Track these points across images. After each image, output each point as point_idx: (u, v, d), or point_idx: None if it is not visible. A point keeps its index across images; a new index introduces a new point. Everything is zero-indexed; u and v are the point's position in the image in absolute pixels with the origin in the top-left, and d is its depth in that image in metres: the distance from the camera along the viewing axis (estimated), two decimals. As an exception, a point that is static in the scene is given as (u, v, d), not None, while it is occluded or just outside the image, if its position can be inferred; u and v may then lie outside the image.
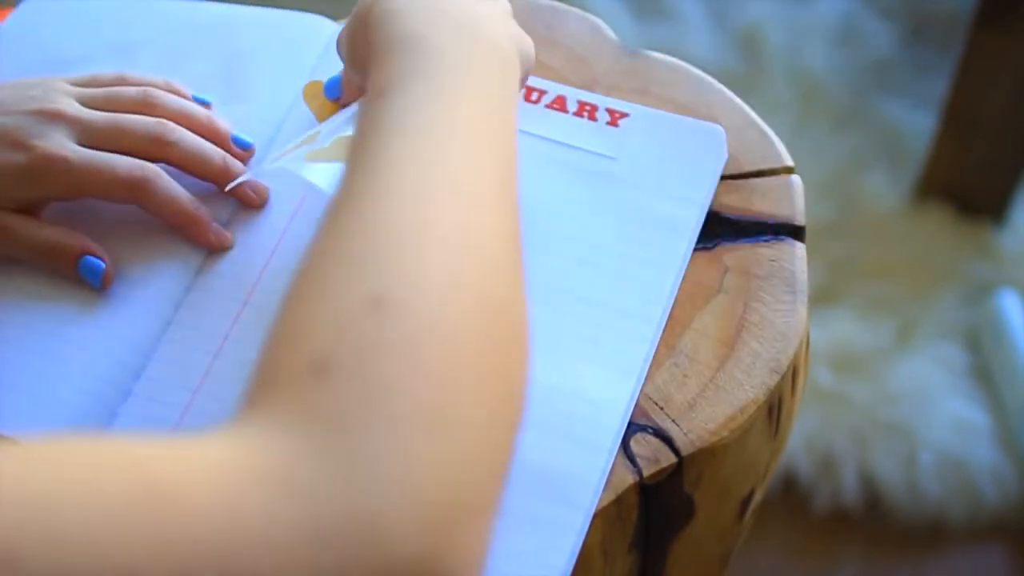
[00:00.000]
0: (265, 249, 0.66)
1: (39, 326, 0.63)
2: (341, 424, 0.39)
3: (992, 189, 1.52)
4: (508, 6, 0.62)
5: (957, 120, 1.46)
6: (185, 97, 0.70)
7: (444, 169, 0.47)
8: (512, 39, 0.57)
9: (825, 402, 1.40)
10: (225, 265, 0.66)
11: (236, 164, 0.68)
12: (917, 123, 1.61)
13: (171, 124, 0.66)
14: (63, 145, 0.64)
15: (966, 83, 1.43)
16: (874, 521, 1.37)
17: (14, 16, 0.76)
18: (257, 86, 0.72)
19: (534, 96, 0.71)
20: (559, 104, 0.71)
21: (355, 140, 0.50)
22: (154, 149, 0.66)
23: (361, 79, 0.57)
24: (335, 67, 0.73)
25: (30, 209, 0.65)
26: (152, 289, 0.64)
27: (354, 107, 0.62)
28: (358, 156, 0.48)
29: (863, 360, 1.43)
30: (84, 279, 0.64)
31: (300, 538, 0.37)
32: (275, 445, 0.39)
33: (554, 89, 0.71)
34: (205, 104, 0.70)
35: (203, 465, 0.38)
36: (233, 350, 0.63)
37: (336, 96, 0.69)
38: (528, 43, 0.61)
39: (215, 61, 0.73)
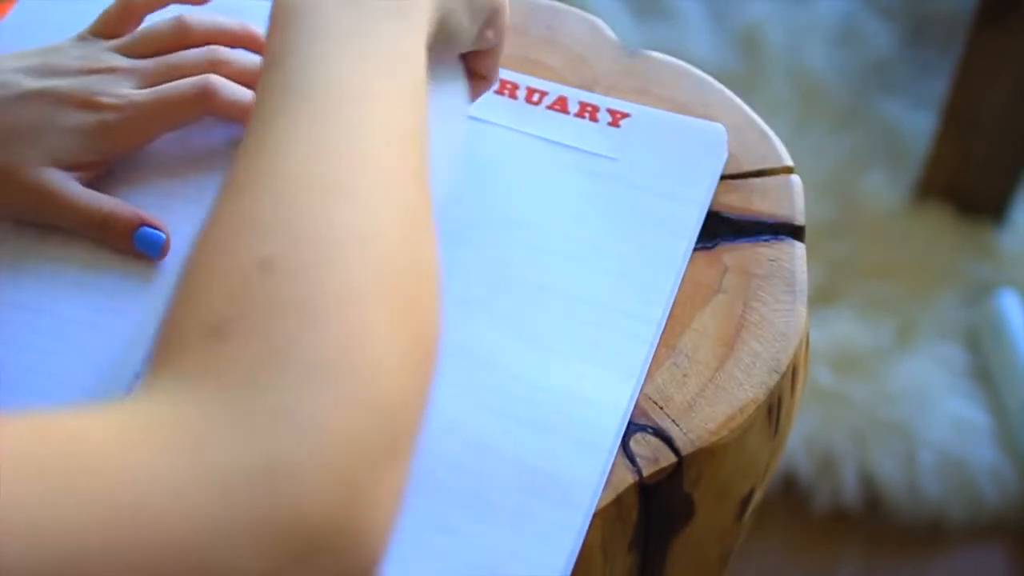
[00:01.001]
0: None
1: (39, 326, 0.63)
2: (243, 380, 0.39)
3: (992, 189, 1.52)
4: None
5: (957, 120, 1.46)
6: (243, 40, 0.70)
7: (337, 126, 0.47)
8: None
9: (825, 402, 1.40)
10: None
11: None
12: (917, 123, 1.61)
13: (219, 48, 0.67)
14: (127, 93, 0.65)
15: (966, 83, 1.43)
16: (874, 521, 1.37)
17: (16, 9, 0.76)
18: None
19: (535, 97, 0.71)
20: (560, 105, 0.71)
21: (252, 112, 0.49)
22: (210, 72, 0.66)
23: None
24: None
25: (94, 169, 0.65)
26: (153, 287, 0.64)
27: None
28: (251, 123, 0.48)
29: (863, 360, 1.43)
30: (141, 250, 0.64)
31: (205, 490, 0.37)
32: (177, 405, 0.39)
33: (555, 90, 0.71)
34: None
35: (106, 427, 0.38)
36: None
37: None
38: None
39: None
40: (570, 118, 0.70)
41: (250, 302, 0.41)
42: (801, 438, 1.38)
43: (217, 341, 0.40)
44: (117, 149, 0.66)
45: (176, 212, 0.66)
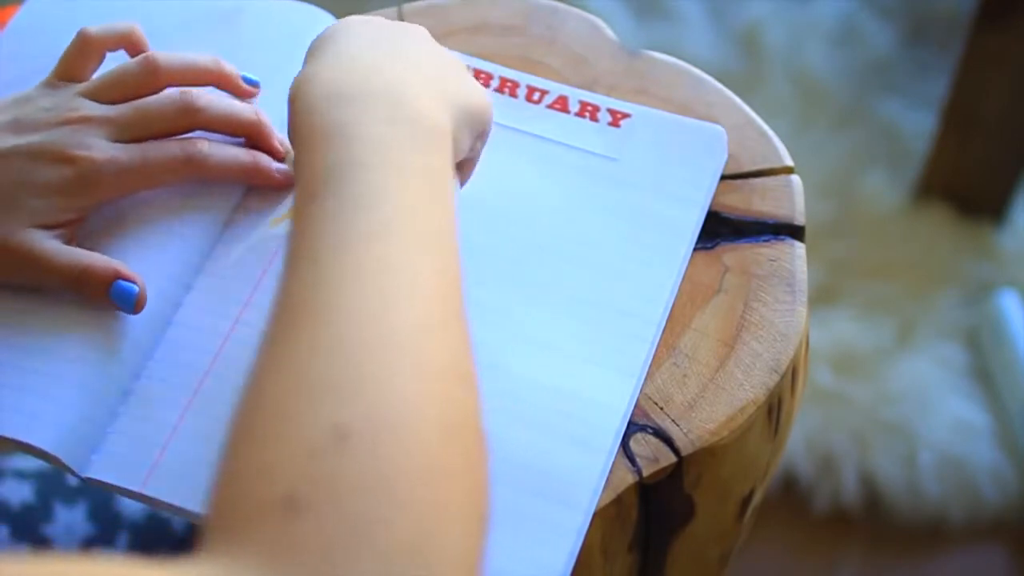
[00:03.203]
0: (267, 250, 0.66)
1: (37, 325, 0.63)
2: (319, 559, 0.38)
3: (992, 189, 1.52)
4: (456, 60, 0.61)
5: (957, 120, 1.46)
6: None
7: (391, 280, 0.46)
8: (447, 104, 0.56)
9: (825, 402, 1.40)
10: (226, 266, 0.66)
11: (266, 117, 0.68)
12: (917, 123, 1.61)
13: (194, 91, 0.66)
14: (106, 147, 0.63)
15: (966, 83, 1.43)
16: (874, 521, 1.37)
17: (22, 12, 0.76)
18: (260, 82, 0.72)
19: (536, 96, 0.71)
20: (561, 104, 0.70)
21: (292, 247, 0.48)
22: (185, 121, 0.66)
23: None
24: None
25: (73, 224, 0.64)
26: (153, 289, 0.64)
27: None
28: (299, 268, 0.47)
29: (863, 360, 1.43)
30: (116, 304, 0.62)
31: None
32: None
33: (556, 89, 0.71)
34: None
35: None
36: (233, 351, 0.63)
37: None
38: (477, 97, 0.59)
39: (215, 54, 0.73)
40: (570, 117, 0.70)
41: (326, 474, 0.40)
42: (801, 438, 1.38)
43: (292, 515, 0.39)
44: (95, 204, 0.64)
45: (151, 258, 0.65)
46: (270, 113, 0.71)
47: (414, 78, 0.56)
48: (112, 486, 0.60)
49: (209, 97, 0.66)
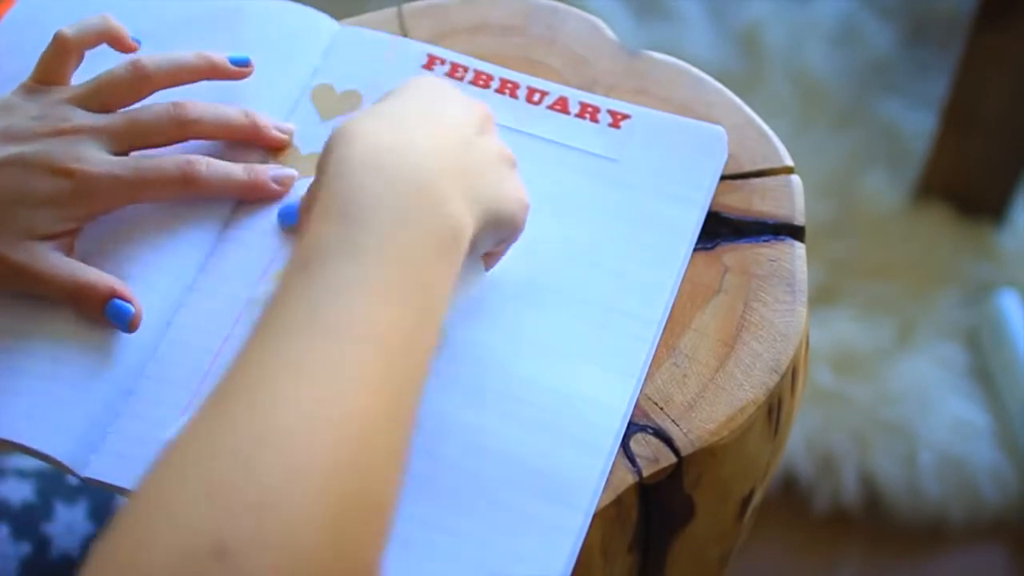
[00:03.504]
0: (267, 250, 0.66)
1: (36, 327, 0.63)
2: None
3: (992, 189, 1.52)
4: (507, 156, 0.59)
5: (957, 120, 1.46)
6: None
7: (331, 388, 0.43)
8: (478, 208, 0.53)
9: (825, 402, 1.40)
10: (227, 266, 0.66)
11: (260, 116, 0.68)
12: (917, 123, 1.61)
13: (186, 103, 0.66)
14: (102, 160, 0.63)
15: (966, 83, 1.43)
16: (874, 521, 1.38)
17: (18, 7, 0.76)
18: (259, 83, 0.72)
19: (536, 97, 0.71)
20: (561, 105, 0.70)
21: (265, 310, 0.46)
22: (179, 133, 0.65)
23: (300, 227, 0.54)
24: (339, 67, 0.73)
25: (69, 235, 0.63)
26: (153, 290, 0.64)
27: None
28: (254, 338, 0.45)
29: (863, 360, 1.43)
30: (111, 322, 0.62)
31: None
32: None
33: (556, 91, 0.71)
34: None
35: None
36: (233, 351, 0.63)
37: (292, 223, 0.66)
38: (513, 204, 0.57)
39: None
40: (571, 119, 0.70)
41: None
42: (801, 438, 1.38)
43: None
44: (92, 215, 0.63)
45: (151, 258, 0.65)
46: (268, 112, 0.71)
47: (452, 173, 0.53)
48: (112, 486, 0.60)
49: (201, 108, 0.66)
